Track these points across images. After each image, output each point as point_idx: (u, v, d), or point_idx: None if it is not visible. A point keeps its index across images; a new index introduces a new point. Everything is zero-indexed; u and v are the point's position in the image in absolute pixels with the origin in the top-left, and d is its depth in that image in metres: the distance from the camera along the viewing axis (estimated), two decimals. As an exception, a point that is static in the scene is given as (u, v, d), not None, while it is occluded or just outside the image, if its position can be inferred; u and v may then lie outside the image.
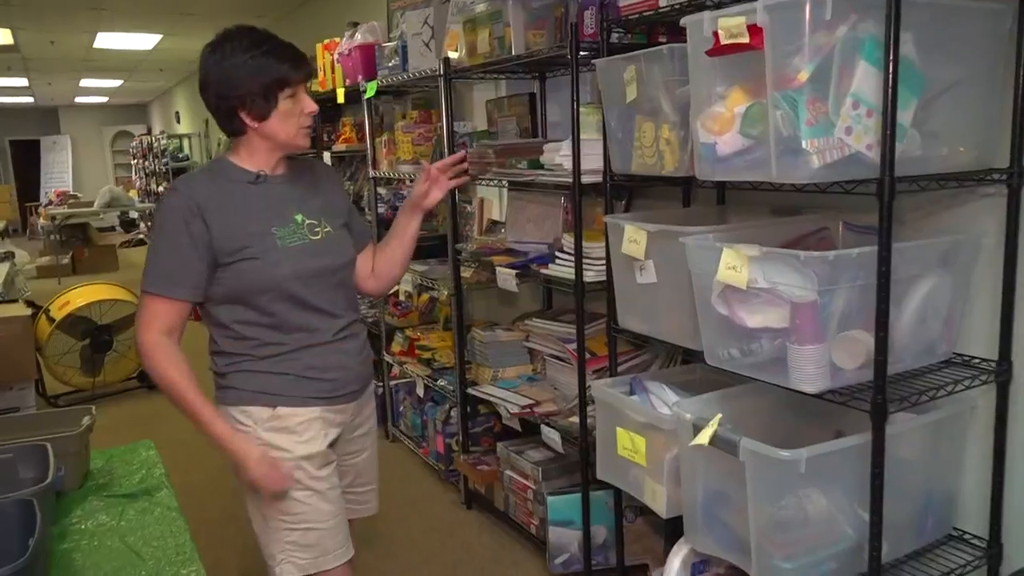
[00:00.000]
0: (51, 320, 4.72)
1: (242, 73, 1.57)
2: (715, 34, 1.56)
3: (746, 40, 1.50)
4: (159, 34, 7.77)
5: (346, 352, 1.75)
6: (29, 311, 4.51)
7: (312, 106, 1.67)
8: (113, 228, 14.50)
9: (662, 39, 2.33)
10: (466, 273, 3.22)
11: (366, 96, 3.70)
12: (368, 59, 3.76)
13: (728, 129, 1.61)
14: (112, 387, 5.04)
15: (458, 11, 2.92)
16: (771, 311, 1.67)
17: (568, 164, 2.35)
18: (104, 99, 15.29)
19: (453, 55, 2.97)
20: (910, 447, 1.71)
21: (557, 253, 2.55)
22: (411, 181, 3.67)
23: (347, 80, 4.02)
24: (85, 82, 11.86)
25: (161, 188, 12.50)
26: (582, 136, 2.44)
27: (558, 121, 3.25)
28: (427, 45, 3.19)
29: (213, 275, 1.62)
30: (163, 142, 12.81)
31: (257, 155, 1.68)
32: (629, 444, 2.05)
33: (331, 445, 1.74)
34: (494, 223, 3.54)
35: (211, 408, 1.62)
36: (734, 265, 1.64)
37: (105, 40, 7.85)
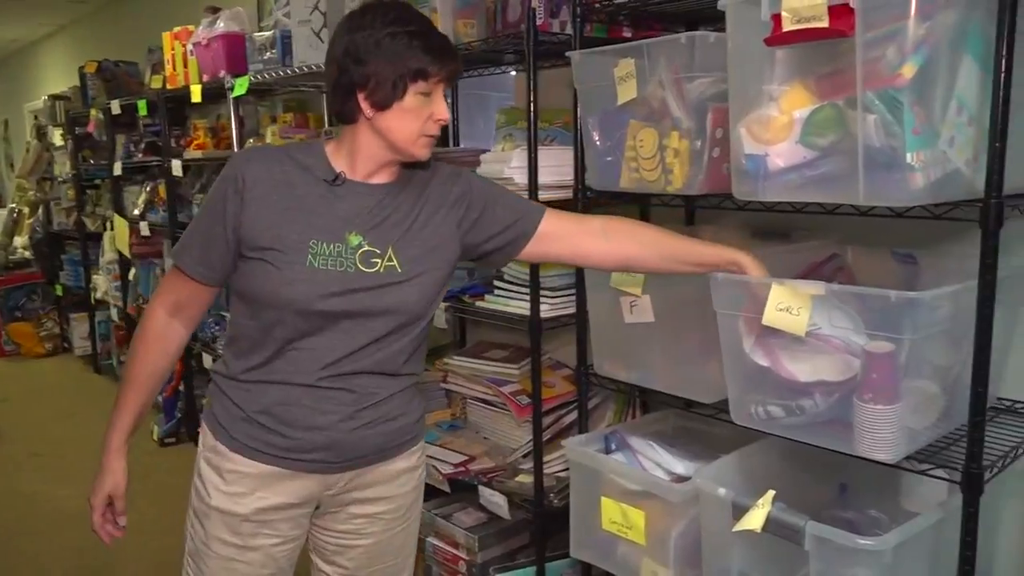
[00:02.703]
0: None
1: (375, 48, 1.28)
2: (776, 18, 1.25)
3: (824, 24, 1.19)
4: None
5: (327, 410, 1.36)
6: None
7: (444, 114, 1.34)
8: None
9: (625, 32, 2.01)
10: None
11: (234, 94, 3.12)
12: (235, 51, 3.18)
13: (783, 137, 1.30)
14: None
15: (363, -6, 2.45)
16: (823, 360, 1.37)
17: (521, 178, 1.97)
18: None
19: (355, 47, 2.49)
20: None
21: (496, 282, 2.16)
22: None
23: (204, 75, 3.41)
24: None
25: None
26: (503, 147, 2.09)
27: (472, 130, 2.86)
28: (318, 35, 2.70)
29: (236, 263, 1.37)
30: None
31: (358, 152, 1.36)
32: (620, 518, 1.69)
33: (288, 508, 1.42)
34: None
35: (126, 416, 1.43)
36: (788, 306, 1.33)
37: None
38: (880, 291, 1.24)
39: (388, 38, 1.27)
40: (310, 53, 2.72)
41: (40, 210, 6.01)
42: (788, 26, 1.22)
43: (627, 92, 1.59)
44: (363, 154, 1.36)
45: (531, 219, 1.45)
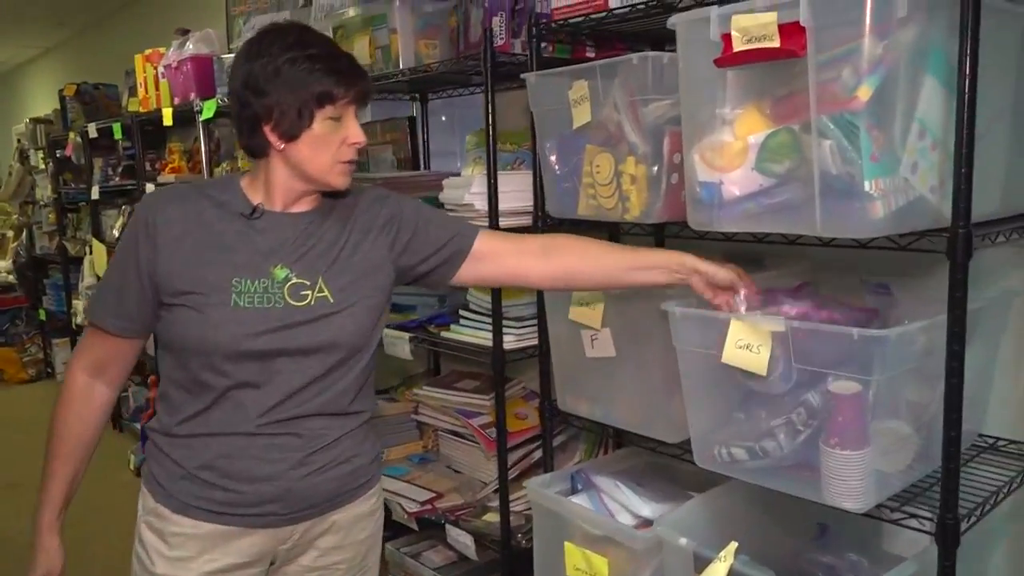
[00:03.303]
0: None
1: (274, 77, 1.21)
2: (726, 38, 1.17)
3: (775, 44, 1.11)
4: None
5: (274, 459, 1.28)
6: None
7: (358, 136, 1.27)
8: None
9: (589, 53, 1.94)
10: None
11: (202, 118, 3.05)
12: (204, 74, 3.12)
13: (738, 164, 1.22)
14: None
15: (325, 15, 2.39)
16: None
17: (481, 204, 1.89)
18: None
19: (318, 69, 2.42)
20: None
21: (462, 312, 2.07)
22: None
23: (176, 98, 3.35)
24: None
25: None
26: (472, 170, 2.01)
27: (442, 151, 2.78)
28: (283, 57, 2.62)
29: (157, 311, 1.29)
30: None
31: (274, 185, 1.29)
32: (583, 565, 1.60)
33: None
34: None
35: (55, 490, 1.34)
36: (748, 343, 1.24)
37: None
38: (844, 329, 1.15)
39: (287, 64, 1.20)
40: (275, 75, 2.65)
41: (23, 234, 5.95)
42: (739, 46, 1.14)
43: (582, 115, 1.51)
44: (279, 187, 1.29)
45: (465, 238, 1.40)
